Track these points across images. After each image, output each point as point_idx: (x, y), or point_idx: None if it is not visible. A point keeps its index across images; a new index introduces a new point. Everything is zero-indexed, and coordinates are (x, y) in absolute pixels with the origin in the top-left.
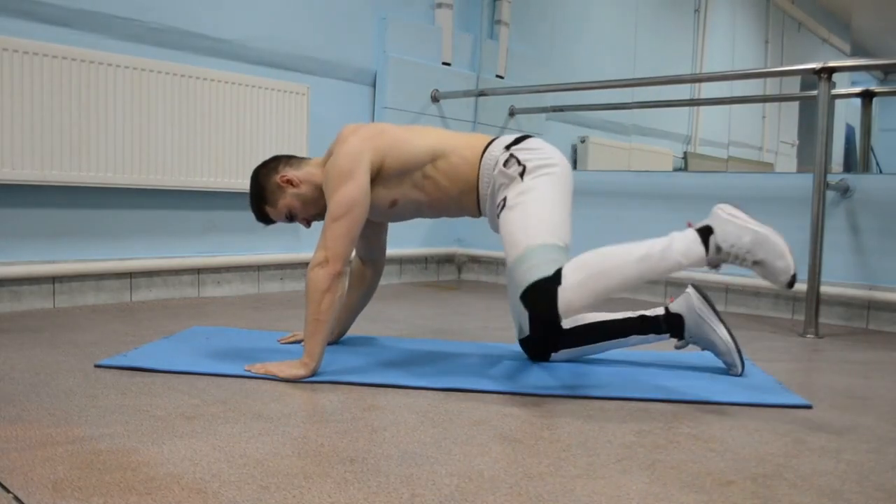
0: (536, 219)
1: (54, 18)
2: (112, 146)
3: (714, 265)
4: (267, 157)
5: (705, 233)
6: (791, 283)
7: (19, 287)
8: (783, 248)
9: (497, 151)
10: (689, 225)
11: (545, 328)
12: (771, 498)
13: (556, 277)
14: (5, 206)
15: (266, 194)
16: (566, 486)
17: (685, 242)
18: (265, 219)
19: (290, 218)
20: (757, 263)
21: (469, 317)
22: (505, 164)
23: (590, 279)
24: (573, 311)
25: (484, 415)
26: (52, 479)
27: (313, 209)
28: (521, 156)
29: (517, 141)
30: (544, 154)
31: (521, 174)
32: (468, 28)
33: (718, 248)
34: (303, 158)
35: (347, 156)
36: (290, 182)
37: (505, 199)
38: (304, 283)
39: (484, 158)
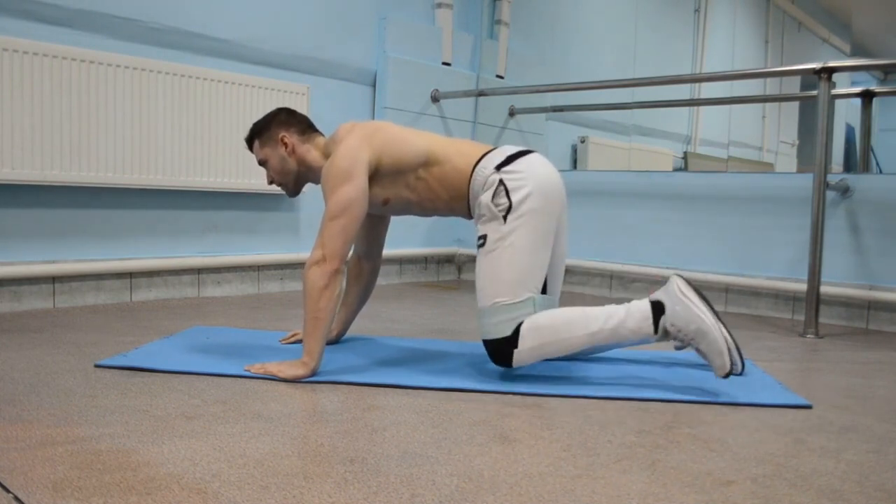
0: (507, 273)
1: (54, 18)
2: (112, 146)
3: (661, 338)
4: None
5: (658, 310)
6: (726, 377)
7: (19, 287)
8: (722, 348)
9: (488, 170)
10: (651, 292)
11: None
12: (771, 498)
13: (513, 339)
14: (5, 206)
15: (264, 134)
16: (566, 486)
17: (636, 321)
18: (249, 146)
19: (262, 165)
20: (699, 351)
21: (469, 317)
22: (494, 196)
23: (542, 346)
24: (525, 365)
25: (484, 415)
26: (52, 479)
27: (284, 179)
28: (509, 184)
29: (508, 160)
30: (533, 177)
31: (506, 214)
32: (468, 28)
33: (666, 331)
34: (314, 133)
35: (346, 156)
36: (286, 145)
37: (485, 238)
38: (302, 282)
39: (475, 174)
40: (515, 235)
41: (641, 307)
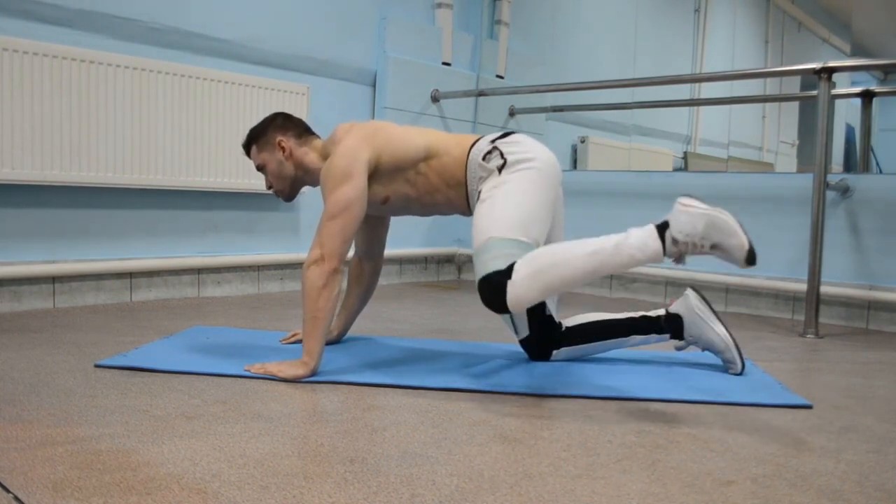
0: (502, 212)
1: (54, 18)
2: (112, 146)
3: (675, 258)
4: None
5: (662, 228)
6: (750, 259)
7: (19, 287)
8: (734, 226)
9: (483, 146)
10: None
11: (539, 331)
12: (771, 498)
13: (507, 271)
14: (5, 206)
15: (261, 139)
16: (566, 486)
17: (640, 237)
18: (247, 152)
19: (260, 170)
20: (714, 247)
21: (469, 317)
22: (486, 156)
23: (539, 273)
24: (522, 304)
25: (484, 415)
26: (52, 479)
27: (281, 185)
28: (504, 149)
29: (504, 136)
30: (527, 148)
31: (500, 168)
32: (468, 28)
33: (675, 241)
34: (311, 136)
35: (345, 156)
36: (283, 150)
37: (480, 192)
38: (300, 283)
39: (471, 154)
40: (510, 183)
41: (644, 227)
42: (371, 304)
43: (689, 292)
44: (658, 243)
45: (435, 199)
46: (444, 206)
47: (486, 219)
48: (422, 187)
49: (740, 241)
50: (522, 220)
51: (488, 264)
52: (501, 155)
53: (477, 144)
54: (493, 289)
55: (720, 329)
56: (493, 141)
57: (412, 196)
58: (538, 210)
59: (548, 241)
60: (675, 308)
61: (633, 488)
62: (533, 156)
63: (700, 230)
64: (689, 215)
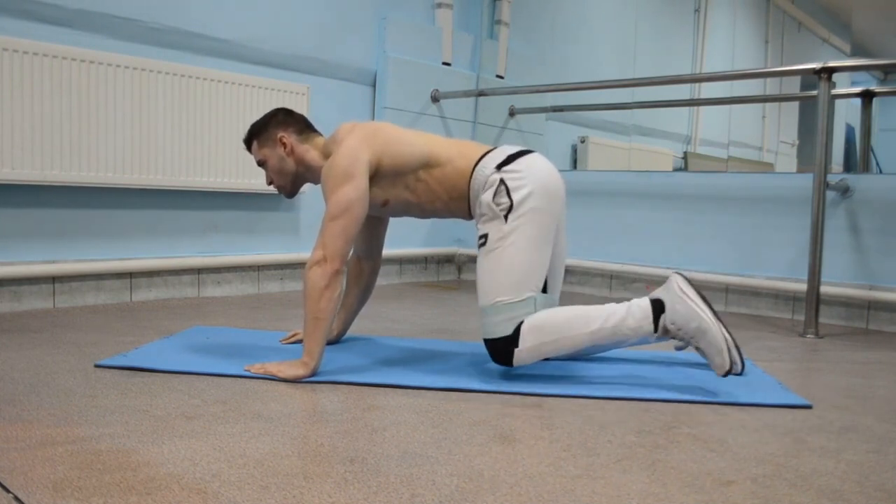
0: (508, 272)
1: (54, 18)
2: (112, 146)
3: (661, 336)
4: None
5: (658, 308)
6: (725, 376)
7: (19, 287)
8: (721, 346)
9: (488, 170)
10: (648, 289)
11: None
12: (771, 498)
13: (514, 338)
14: (5, 206)
15: (262, 134)
16: (566, 486)
17: (636, 320)
18: (248, 147)
19: (261, 165)
20: (699, 349)
21: (469, 317)
22: (495, 195)
23: (543, 345)
24: (525, 364)
25: (484, 415)
26: (52, 479)
27: (282, 181)
28: (510, 183)
29: (509, 160)
30: (533, 177)
31: (507, 213)
32: (468, 28)
33: (666, 329)
34: (313, 133)
35: (347, 156)
36: (284, 145)
37: (487, 238)
38: (302, 283)
39: (475, 173)
40: (517, 234)
41: (642, 305)
42: (371, 304)
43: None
44: (651, 328)
45: (435, 206)
46: (444, 213)
47: (492, 278)
48: (422, 194)
49: (722, 362)
50: (527, 276)
51: (497, 328)
52: (507, 193)
53: (482, 164)
54: (501, 354)
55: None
56: (499, 166)
57: (412, 201)
58: (541, 260)
59: (553, 255)
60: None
61: (633, 488)
62: (535, 189)
63: (691, 330)
64: (686, 308)
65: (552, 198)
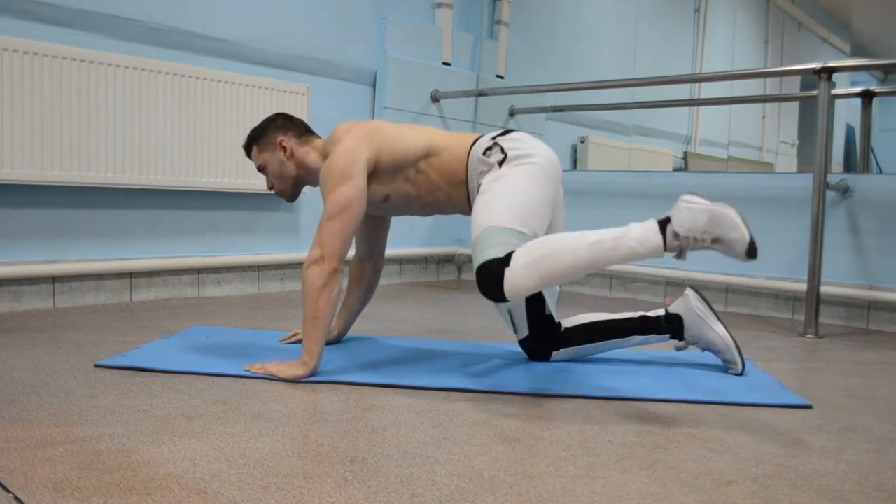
0: (501, 203)
1: (54, 18)
2: (112, 146)
3: (676, 253)
4: None
5: (664, 223)
6: (751, 252)
7: (19, 287)
8: (736, 220)
9: (484, 143)
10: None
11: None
12: (771, 498)
13: (505, 259)
14: (5, 206)
15: (261, 139)
16: (566, 486)
17: (642, 230)
18: (248, 153)
19: (261, 171)
20: (716, 241)
21: (469, 317)
22: (487, 151)
23: (538, 261)
24: (520, 293)
25: (484, 415)
26: (52, 479)
27: (283, 185)
28: (505, 144)
29: (504, 133)
30: (528, 145)
31: (501, 162)
32: (468, 28)
33: (676, 235)
34: (312, 136)
35: (345, 156)
36: (284, 149)
37: (480, 186)
38: (301, 282)
39: (472, 152)
40: (511, 176)
41: (645, 222)
42: (371, 304)
43: (689, 292)
44: (659, 237)
45: (436, 197)
46: (445, 205)
47: (485, 209)
48: (422, 185)
49: (741, 234)
50: (522, 211)
51: (486, 252)
52: (502, 150)
53: (478, 142)
54: (491, 276)
55: (720, 329)
56: (493, 138)
57: (413, 194)
58: (538, 203)
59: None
60: (674, 308)
61: (633, 488)
62: (533, 152)
63: (701, 224)
64: (691, 211)
65: (549, 162)
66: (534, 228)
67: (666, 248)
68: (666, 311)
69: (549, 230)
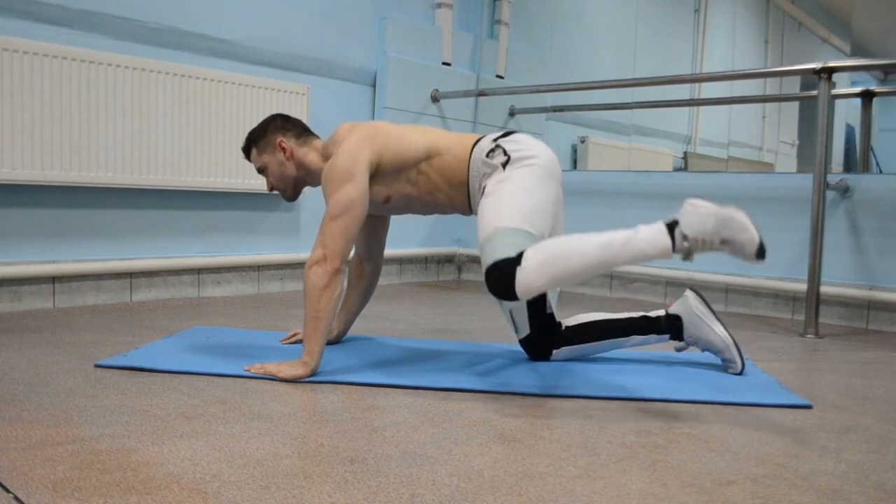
0: (509, 204)
1: (54, 18)
2: (112, 146)
3: (684, 255)
4: None
5: (672, 225)
6: (760, 253)
7: (19, 287)
8: (745, 221)
9: (485, 144)
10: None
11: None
12: (771, 498)
13: (517, 259)
14: (5, 206)
15: (261, 140)
16: (566, 486)
17: (650, 232)
18: (247, 155)
19: (261, 172)
20: (724, 242)
21: (469, 317)
22: (490, 153)
23: (549, 262)
24: (531, 292)
25: (484, 415)
26: (52, 479)
27: (283, 185)
28: (507, 146)
29: (506, 135)
30: (529, 146)
31: (504, 164)
32: (468, 28)
33: (685, 237)
34: (311, 136)
35: (347, 156)
36: (284, 150)
37: (484, 188)
38: (303, 282)
39: (473, 153)
40: (515, 178)
41: (654, 224)
42: (371, 304)
43: (689, 293)
44: (667, 239)
45: (436, 198)
46: (446, 206)
47: (492, 211)
48: (423, 186)
49: (751, 236)
50: (529, 212)
51: (497, 252)
52: (505, 152)
53: (479, 144)
54: (503, 275)
55: (720, 329)
56: (495, 139)
57: (414, 195)
58: (543, 204)
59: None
60: (674, 309)
61: (633, 488)
62: (535, 153)
63: (710, 227)
64: (698, 215)
65: (551, 164)
66: (540, 228)
67: (675, 250)
68: (666, 311)
69: (551, 232)
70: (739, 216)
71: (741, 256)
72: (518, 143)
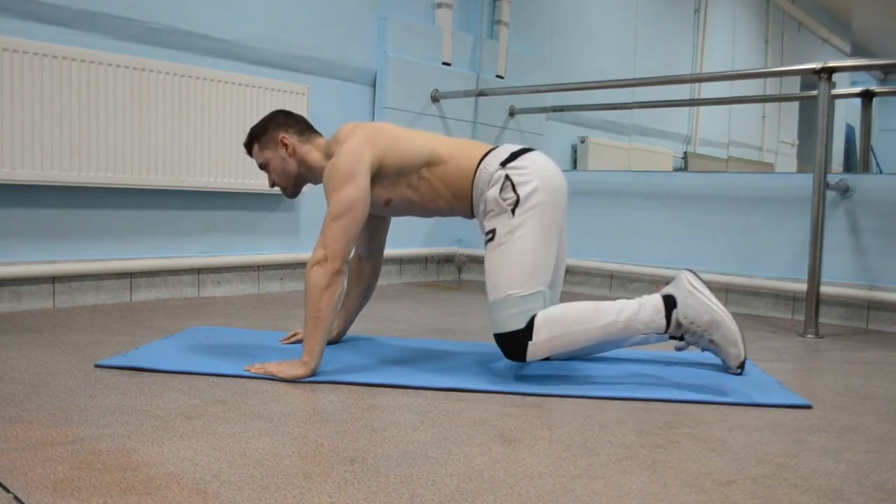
0: (518, 265)
1: (54, 18)
2: (112, 146)
3: (675, 338)
4: None
5: (669, 304)
6: (740, 367)
7: (19, 287)
8: (736, 336)
9: (492, 167)
10: (658, 288)
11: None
12: (771, 498)
13: (527, 331)
14: (5, 206)
15: (263, 136)
16: (566, 486)
17: (649, 313)
18: (249, 150)
19: (263, 168)
20: (712, 342)
21: (469, 317)
22: (501, 190)
23: (556, 338)
24: (538, 359)
25: (484, 415)
26: (52, 479)
27: (284, 182)
28: (515, 179)
29: (512, 157)
30: (536, 174)
31: (514, 208)
32: (468, 28)
33: (679, 324)
34: (313, 133)
35: (349, 156)
36: (286, 147)
37: (494, 232)
38: (303, 282)
39: (479, 171)
40: (525, 228)
41: (653, 300)
42: (371, 304)
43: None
44: (664, 322)
45: (437, 204)
46: (447, 211)
47: (502, 272)
48: (425, 192)
49: (738, 352)
50: (536, 270)
51: (508, 322)
52: (513, 187)
53: (486, 162)
54: (516, 346)
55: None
56: (503, 163)
57: (415, 200)
58: (548, 254)
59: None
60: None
61: (633, 488)
62: (540, 186)
63: (704, 323)
64: (697, 302)
65: (557, 193)
66: (546, 279)
67: (668, 333)
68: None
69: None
70: (732, 328)
71: (722, 359)
72: (525, 173)
